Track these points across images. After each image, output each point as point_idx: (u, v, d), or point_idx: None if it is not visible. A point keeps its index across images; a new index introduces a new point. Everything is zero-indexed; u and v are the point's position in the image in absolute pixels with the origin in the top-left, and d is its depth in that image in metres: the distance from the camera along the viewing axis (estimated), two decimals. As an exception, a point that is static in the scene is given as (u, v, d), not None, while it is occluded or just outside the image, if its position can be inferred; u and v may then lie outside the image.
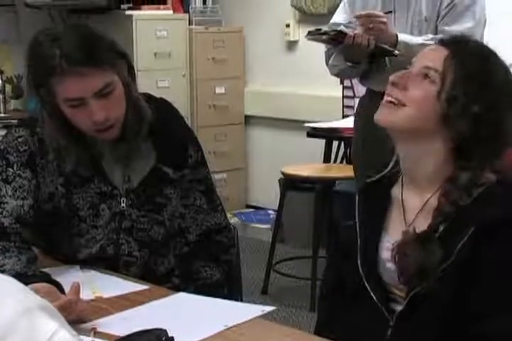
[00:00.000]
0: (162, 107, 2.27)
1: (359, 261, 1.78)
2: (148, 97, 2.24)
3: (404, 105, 1.68)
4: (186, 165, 2.24)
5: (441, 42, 1.73)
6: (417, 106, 1.67)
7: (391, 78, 1.71)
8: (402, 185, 1.78)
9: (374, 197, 1.81)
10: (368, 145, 3.15)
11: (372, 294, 1.75)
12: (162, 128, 2.22)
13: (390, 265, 1.74)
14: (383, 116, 1.71)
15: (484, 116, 1.65)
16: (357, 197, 1.84)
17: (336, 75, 3.48)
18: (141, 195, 2.20)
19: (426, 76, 1.68)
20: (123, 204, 2.19)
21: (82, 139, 2.14)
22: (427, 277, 1.63)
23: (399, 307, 1.72)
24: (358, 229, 1.80)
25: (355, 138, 3.47)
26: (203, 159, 2.30)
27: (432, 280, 1.63)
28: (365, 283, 1.76)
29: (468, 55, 1.69)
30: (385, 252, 1.76)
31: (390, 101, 1.70)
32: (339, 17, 3.34)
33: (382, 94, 1.74)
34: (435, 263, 1.62)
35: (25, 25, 5.39)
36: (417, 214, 1.72)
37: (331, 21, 3.34)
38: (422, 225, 1.69)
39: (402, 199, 1.77)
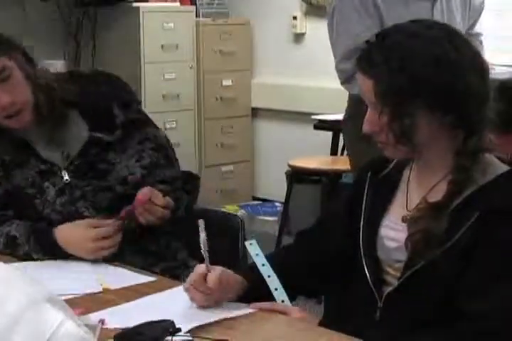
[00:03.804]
0: (85, 80, 2.35)
1: (361, 237, 1.80)
2: (71, 75, 2.36)
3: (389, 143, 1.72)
4: (115, 125, 2.29)
5: (361, 69, 1.71)
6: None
7: (364, 131, 1.74)
8: (412, 168, 1.81)
9: (385, 176, 1.84)
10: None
11: (366, 271, 1.77)
12: (86, 99, 2.29)
13: (389, 243, 1.77)
14: (389, 155, 1.77)
15: (438, 98, 1.65)
16: (368, 174, 1.86)
17: None
18: (81, 164, 2.26)
19: (377, 113, 1.69)
20: (66, 177, 2.26)
21: (3, 132, 2.24)
22: (432, 246, 1.65)
23: (389, 289, 1.74)
24: (364, 204, 1.83)
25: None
26: (142, 118, 2.35)
27: (434, 253, 1.65)
28: (362, 260, 1.79)
29: (386, 70, 1.66)
30: (384, 230, 1.79)
31: (382, 144, 1.74)
32: (364, 23, 2.98)
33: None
34: (441, 233, 1.64)
35: (32, 17, 5.39)
36: (420, 200, 1.73)
37: (358, 32, 2.93)
38: None
39: (408, 182, 1.80)
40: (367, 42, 1.72)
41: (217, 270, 1.81)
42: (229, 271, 1.85)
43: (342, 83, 3.14)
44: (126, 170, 2.28)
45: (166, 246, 2.34)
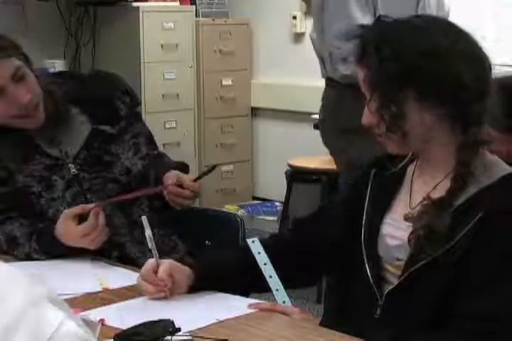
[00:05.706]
0: (87, 80, 2.44)
1: (362, 233, 1.81)
2: (59, 75, 2.45)
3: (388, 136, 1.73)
4: (119, 117, 2.35)
5: (356, 59, 1.73)
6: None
7: (363, 124, 1.75)
8: (415, 166, 1.81)
9: (389, 173, 1.84)
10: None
11: (367, 268, 1.78)
12: (87, 96, 2.34)
13: (390, 240, 1.78)
14: (388, 149, 1.77)
15: (427, 88, 1.66)
16: (373, 171, 1.86)
17: None
18: (87, 158, 2.30)
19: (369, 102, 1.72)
20: (73, 170, 2.29)
21: (8, 136, 2.26)
22: (435, 242, 1.65)
23: (389, 287, 1.75)
24: (366, 200, 1.83)
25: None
26: (136, 112, 2.42)
27: (436, 251, 1.65)
28: (364, 257, 1.79)
29: (379, 62, 1.68)
30: (386, 227, 1.79)
31: (379, 138, 1.74)
32: (361, 9, 3.07)
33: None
34: (444, 230, 1.64)
35: (32, 17, 5.40)
36: (424, 198, 1.73)
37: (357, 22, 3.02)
38: None
39: (411, 180, 1.80)
40: (362, 28, 1.76)
41: (166, 262, 1.89)
42: (177, 263, 1.91)
43: (335, 64, 3.21)
44: (129, 161, 2.34)
45: (163, 241, 2.35)
